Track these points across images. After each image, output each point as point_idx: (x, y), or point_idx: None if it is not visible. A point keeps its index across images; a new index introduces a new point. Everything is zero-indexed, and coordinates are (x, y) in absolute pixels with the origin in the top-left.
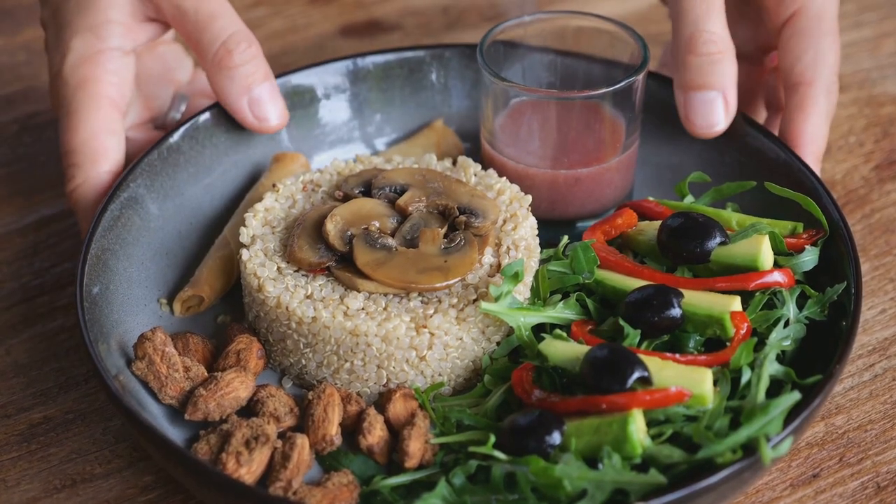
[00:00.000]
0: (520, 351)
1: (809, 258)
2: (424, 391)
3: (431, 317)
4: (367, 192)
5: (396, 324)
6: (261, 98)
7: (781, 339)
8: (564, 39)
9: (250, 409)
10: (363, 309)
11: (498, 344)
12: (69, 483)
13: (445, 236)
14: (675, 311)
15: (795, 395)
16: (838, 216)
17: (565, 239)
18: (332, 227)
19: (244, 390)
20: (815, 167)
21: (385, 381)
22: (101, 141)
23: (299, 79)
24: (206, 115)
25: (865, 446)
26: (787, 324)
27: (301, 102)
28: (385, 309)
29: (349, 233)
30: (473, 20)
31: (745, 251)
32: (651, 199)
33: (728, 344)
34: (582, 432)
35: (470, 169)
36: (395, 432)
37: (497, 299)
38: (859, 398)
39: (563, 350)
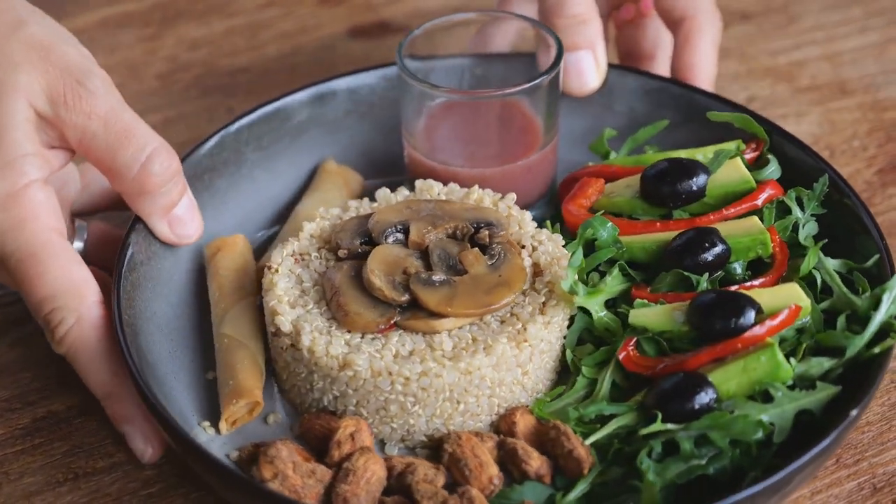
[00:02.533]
0: (585, 335)
1: (774, 167)
2: (543, 399)
3: (525, 329)
4: (369, 241)
5: (502, 347)
6: (181, 216)
7: (808, 237)
8: (487, 37)
9: (392, 486)
10: (456, 347)
11: (564, 337)
12: (71, 477)
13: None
14: (722, 246)
15: None
16: (768, 124)
17: (548, 224)
18: (379, 283)
19: (381, 469)
20: (710, 89)
21: (496, 409)
22: (76, 274)
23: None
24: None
25: (862, 448)
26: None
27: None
28: (475, 340)
29: (397, 282)
30: None
31: (732, 177)
32: (591, 164)
33: (769, 261)
34: (729, 377)
35: (434, 189)
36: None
37: (571, 292)
38: None
39: (656, 314)
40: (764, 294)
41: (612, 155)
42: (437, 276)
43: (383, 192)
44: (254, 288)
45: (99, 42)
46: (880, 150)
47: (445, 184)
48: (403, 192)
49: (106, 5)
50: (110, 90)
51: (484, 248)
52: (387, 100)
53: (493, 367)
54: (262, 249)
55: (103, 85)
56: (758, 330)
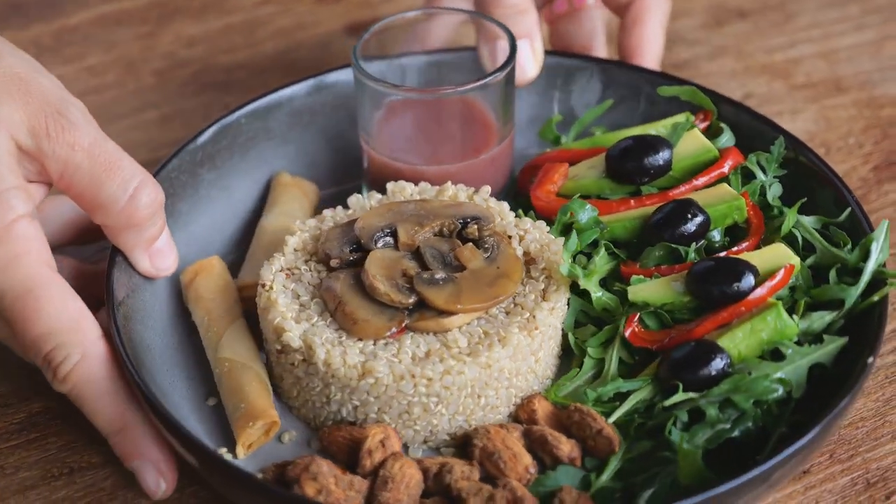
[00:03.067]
0: (581, 317)
1: (728, 135)
2: (560, 384)
3: (534, 317)
4: (359, 247)
5: (516, 337)
6: (161, 249)
7: (774, 198)
8: (437, 33)
9: (430, 487)
10: (471, 343)
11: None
12: (66, 471)
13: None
14: (702, 216)
15: (885, 223)
16: (713, 94)
17: (521, 213)
18: (384, 288)
19: (417, 472)
20: (656, 68)
21: (513, 399)
22: (75, 308)
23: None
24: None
25: (856, 443)
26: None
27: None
28: (486, 334)
29: (400, 285)
30: None
31: (695, 148)
32: (549, 149)
33: (743, 225)
34: (737, 341)
35: (407, 189)
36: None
37: (571, 276)
38: None
39: (655, 288)
40: (753, 257)
41: (563, 139)
42: (439, 275)
43: (356, 199)
44: (240, 309)
45: (96, 39)
46: (876, 147)
47: (416, 183)
48: (376, 197)
49: (103, 3)
50: (89, 120)
51: (476, 243)
52: (327, 107)
53: (510, 358)
54: (233, 270)
55: (83, 115)
56: (760, 291)
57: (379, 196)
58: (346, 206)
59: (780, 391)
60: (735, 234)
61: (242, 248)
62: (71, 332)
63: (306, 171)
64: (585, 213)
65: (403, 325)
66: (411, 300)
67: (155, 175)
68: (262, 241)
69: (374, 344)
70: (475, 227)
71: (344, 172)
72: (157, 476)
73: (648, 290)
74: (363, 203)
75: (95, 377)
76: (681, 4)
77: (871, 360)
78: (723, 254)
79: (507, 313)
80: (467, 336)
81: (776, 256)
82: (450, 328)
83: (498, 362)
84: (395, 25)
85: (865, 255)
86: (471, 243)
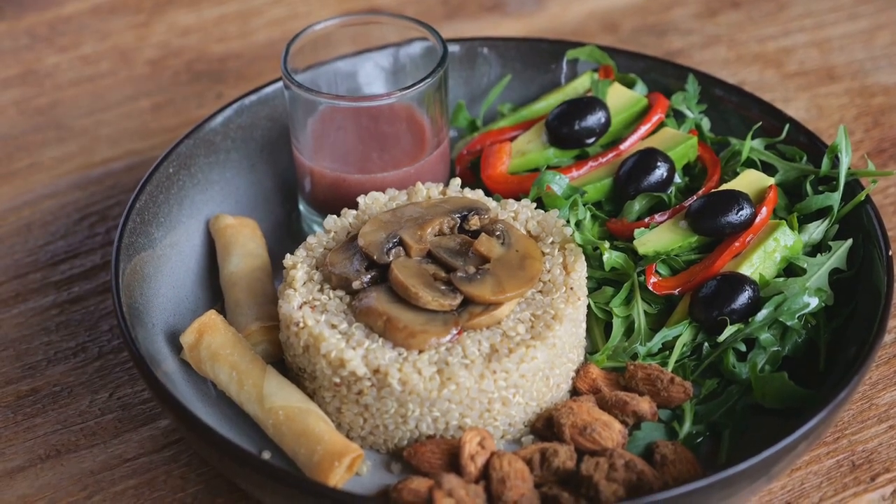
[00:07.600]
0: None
1: (640, 84)
2: (607, 348)
3: (572, 289)
4: (372, 264)
5: (567, 312)
6: None
7: (708, 132)
8: (370, 39)
9: (537, 477)
10: (528, 328)
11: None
12: (53, 454)
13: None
14: (668, 161)
15: (842, 128)
16: (611, 50)
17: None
18: (429, 295)
19: (523, 465)
20: None
21: (570, 374)
22: None
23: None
24: None
25: (842, 426)
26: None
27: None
28: (536, 316)
29: (441, 288)
30: (473, 10)
31: (624, 100)
32: (476, 134)
33: (694, 164)
34: (755, 266)
35: (380, 200)
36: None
37: (589, 242)
38: None
39: (660, 236)
40: (736, 182)
41: (478, 122)
42: (471, 270)
43: (332, 220)
44: (260, 357)
45: (91, 28)
46: (867, 135)
47: (354, 199)
48: (351, 213)
49: None
50: None
51: (485, 232)
52: (237, 140)
53: (568, 333)
54: None
55: None
56: (763, 213)
57: (353, 212)
58: (296, 232)
59: (818, 301)
60: (687, 173)
61: (210, 301)
62: None
63: (235, 208)
64: (559, 183)
65: (461, 326)
66: (457, 301)
67: (119, 238)
68: (240, 287)
69: (437, 352)
70: (476, 218)
71: (265, 201)
72: None
73: (654, 239)
74: (341, 222)
75: None
76: None
77: (889, 253)
78: (700, 192)
79: (542, 293)
80: (522, 322)
81: (752, 181)
82: (501, 319)
83: (560, 339)
84: (323, 32)
85: (834, 163)
86: (484, 234)
